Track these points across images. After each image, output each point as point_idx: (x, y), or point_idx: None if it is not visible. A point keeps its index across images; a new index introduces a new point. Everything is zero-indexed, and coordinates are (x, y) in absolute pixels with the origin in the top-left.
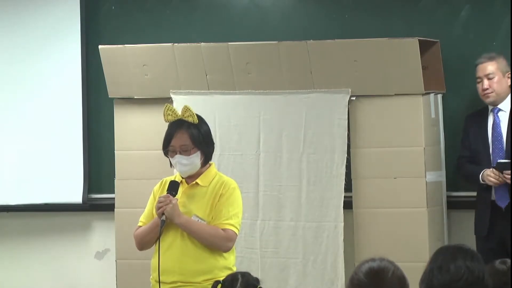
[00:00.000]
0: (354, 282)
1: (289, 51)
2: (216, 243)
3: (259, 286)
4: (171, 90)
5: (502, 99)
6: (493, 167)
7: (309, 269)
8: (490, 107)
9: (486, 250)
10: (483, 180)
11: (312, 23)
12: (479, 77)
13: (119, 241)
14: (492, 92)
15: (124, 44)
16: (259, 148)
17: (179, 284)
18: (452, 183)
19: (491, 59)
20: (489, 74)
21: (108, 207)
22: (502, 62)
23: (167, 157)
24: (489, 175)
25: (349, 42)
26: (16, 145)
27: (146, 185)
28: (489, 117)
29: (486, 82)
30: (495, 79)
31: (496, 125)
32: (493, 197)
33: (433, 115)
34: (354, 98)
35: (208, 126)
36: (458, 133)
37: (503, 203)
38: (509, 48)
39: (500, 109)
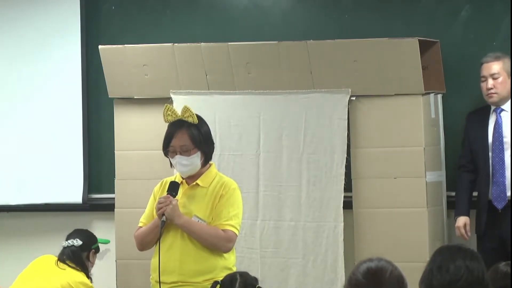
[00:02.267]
0: (352, 283)
1: (289, 51)
2: (216, 243)
3: (257, 286)
4: (171, 90)
5: (505, 100)
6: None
7: (309, 269)
8: (493, 107)
9: (487, 250)
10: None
11: (312, 23)
12: (484, 76)
13: (119, 241)
14: (495, 93)
15: (124, 44)
16: (259, 148)
17: (179, 284)
18: (452, 183)
19: (497, 58)
20: (494, 73)
21: (108, 207)
22: (507, 63)
23: (167, 157)
24: (459, 227)
25: (349, 42)
26: (16, 145)
27: (146, 185)
28: (491, 116)
29: (490, 82)
30: (500, 79)
31: (498, 126)
32: (490, 196)
33: (433, 115)
34: (354, 98)
35: (208, 126)
36: (458, 133)
37: (499, 204)
38: (509, 48)
39: (503, 109)
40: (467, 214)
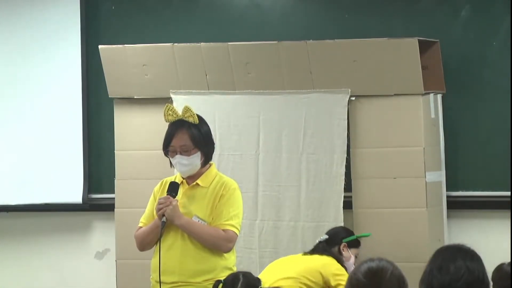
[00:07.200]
0: (353, 282)
1: (289, 51)
2: (217, 243)
3: (260, 287)
4: (171, 90)
5: None
6: None
7: None
8: None
9: None
10: None
11: (312, 23)
12: None
13: (119, 241)
14: None
15: (124, 44)
16: (259, 148)
17: (179, 284)
18: (452, 183)
19: None
20: None
21: (108, 207)
22: None
23: (168, 157)
24: None
25: (349, 42)
26: (16, 145)
27: (146, 185)
28: None
29: None
30: None
31: None
32: None
33: (433, 115)
34: (354, 98)
35: (208, 126)
36: (458, 133)
37: None
38: (509, 48)
39: None
40: None
